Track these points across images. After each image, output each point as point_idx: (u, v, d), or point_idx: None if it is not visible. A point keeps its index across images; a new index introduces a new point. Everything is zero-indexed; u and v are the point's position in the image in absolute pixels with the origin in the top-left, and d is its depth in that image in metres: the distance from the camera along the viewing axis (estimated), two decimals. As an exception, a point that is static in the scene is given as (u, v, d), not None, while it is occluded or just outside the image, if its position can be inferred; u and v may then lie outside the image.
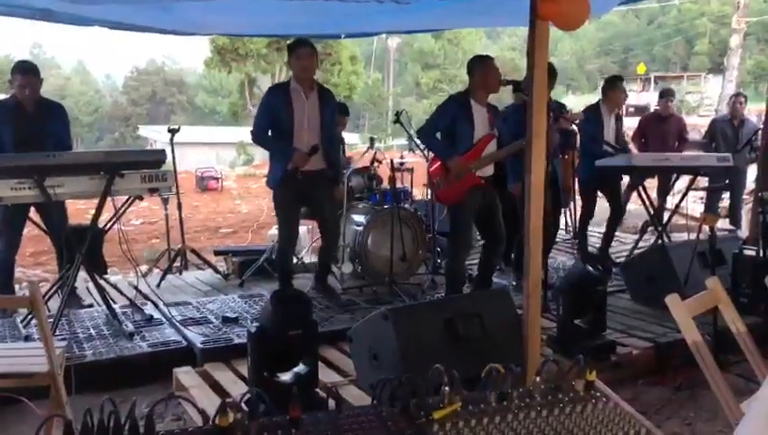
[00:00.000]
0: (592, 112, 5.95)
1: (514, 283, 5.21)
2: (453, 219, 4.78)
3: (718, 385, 2.49)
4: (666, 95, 7.52)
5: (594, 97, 6.22)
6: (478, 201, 4.66)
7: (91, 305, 4.90)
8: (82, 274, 4.59)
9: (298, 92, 4.63)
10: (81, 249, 4.27)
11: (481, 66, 4.65)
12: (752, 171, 8.10)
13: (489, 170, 4.74)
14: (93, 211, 4.32)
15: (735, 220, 8.17)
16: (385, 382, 1.64)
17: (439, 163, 4.70)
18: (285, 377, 3.01)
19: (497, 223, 4.75)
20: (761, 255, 4.51)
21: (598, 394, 1.73)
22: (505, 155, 4.74)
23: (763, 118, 7.01)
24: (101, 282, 4.56)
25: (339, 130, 5.61)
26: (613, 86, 6.06)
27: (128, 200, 4.40)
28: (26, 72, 4.64)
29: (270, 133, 4.74)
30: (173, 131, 6.09)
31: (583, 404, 1.68)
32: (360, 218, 5.54)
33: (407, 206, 5.85)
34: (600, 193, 6.15)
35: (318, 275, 5.10)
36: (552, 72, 5.46)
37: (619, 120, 6.18)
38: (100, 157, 4.26)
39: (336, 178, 5.03)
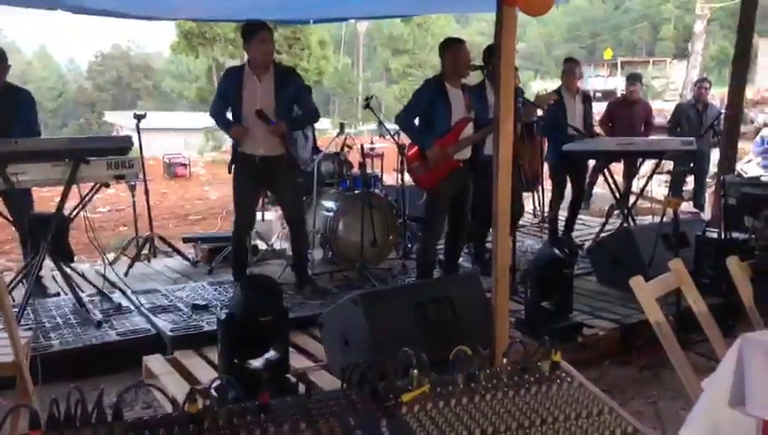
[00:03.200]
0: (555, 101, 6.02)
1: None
2: (428, 204, 4.81)
3: (680, 363, 2.56)
4: (632, 80, 7.62)
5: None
6: (454, 185, 4.71)
7: (57, 294, 4.83)
8: (48, 262, 4.52)
9: (250, 76, 4.54)
10: (46, 237, 4.20)
11: (452, 50, 4.68)
12: (715, 155, 8.27)
13: (467, 153, 4.78)
14: (58, 199, 4.24)
15: (699, 203, 8.34)
16: (354, 366, 1.66)
17: (417, 148, 4.73)
18: (256, 363, 3.00)
19: (465, 208, 4.82)
20: (723, 237, 4.62)
21: (563, 374, 1.77)
22: (481, 137, 4.78)
23: (726, 102, 7.15)
24: (68, 270, 4.49)
25: None
26: (565, 67, 6.20)
27: (93, 187, 4.34)
28: None
29: (228, 115, 4.68)
30: (139, 117, 6.01)
31: (549, 384, 1.72)
32: (330, 204, 5.53)
33: (377, 191, 5.85)
34: (569, 177, 6.24)
35: (295, 267, 4.97)
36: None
37: (587, 102, 6.25)
38: (65, 143, 4.19)
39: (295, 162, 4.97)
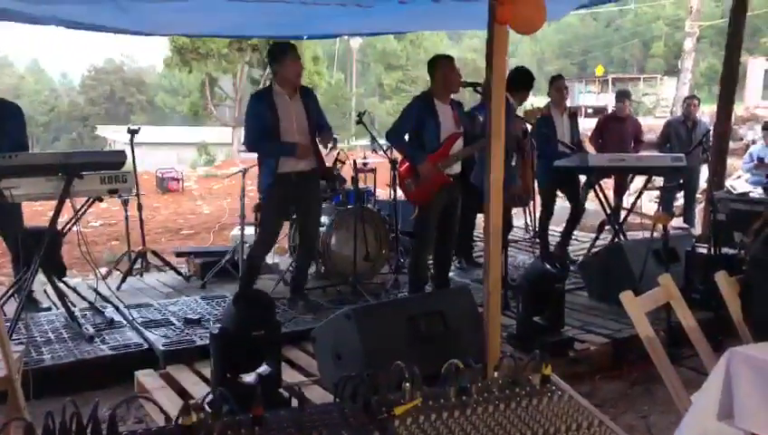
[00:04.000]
0: (542, 116, 6.08)
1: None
2: (419, 219, 4.84)
3: (669, 378, 2.59)
4: (621, 97, 7.69)
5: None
6: (444, 200, 4.75)
7: (49, 309, 4.81)
8: (40, 277, 4.51)
9: (282, 96, 4.60)
10: (39, 252, 4.19)
11: (442, 66, 4.73)
12: (704, 171, 8.35)
13: (456, 168, 4.83)
14: (50, 213, 4.24)
15: (689, 219, 8.40)
16: (347, 380, 1.68)
17: (408, 164, 4.77)
18: (248, 378, 3.01)
19: (454, 222, 4.88)
20: (712, 252, 4.66)
21: (554, 388, 1.79)
22: (471, 153, 4.82)
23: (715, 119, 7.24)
24: (60, 285, 4.48)
25: None
26: (552, 85, 6.29)
27: (87, 202, 4.34)
28: None
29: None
30: (133, 132, 6.01)
31: (539, 398, 1.74)
32: (323, 219, 5.55)
33: (370, 206, 5.88)
34: (559, 193, 6.28)
35: (295, 283, 4.97)
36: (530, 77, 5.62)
37: (573, 118, 6.32)
38: (59, 158, 4.19)
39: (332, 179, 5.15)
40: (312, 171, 4.69)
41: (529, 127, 5.67)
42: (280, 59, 4.57)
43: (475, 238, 6.42)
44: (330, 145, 4.79)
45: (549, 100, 6.29)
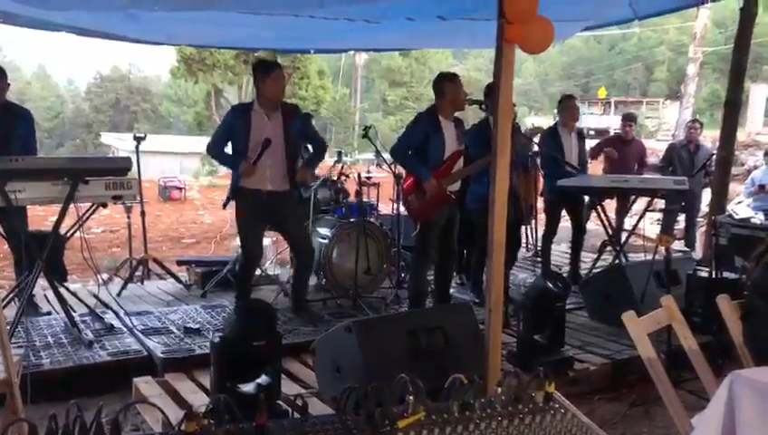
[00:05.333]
0: (550, 134, 6.11)
1: (477, 300, 5.23)
2: (420, 235, 4.85)
3: (670, 400, 2.58)
4: (627, 120, 7.71)
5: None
6: (445, 216, 4.78)
7: (49, 313, 4.81)
8: (40, 281, 4.51)
9: (260, 114, 4.49)
10: (42, 256, 4.20)
11: (448, 85, 4.75)
12: (706, 195, 8.36)
13: (456, 185, 4.86)
14: (52, 217, 4.25)
15: (690, 242, 8.40)
16: (350, 391, 1.68)
17: (412, 180, 4.78)
18: (248, 388, 3.00)
19: (452, 238, 4.90)
20: (713, 276, 4.66)
21: (557, 406, 1.79)
22: (473, 171, 4.84)
23: (717, 144, 7.26)
24: (61, 289, 4.48)
25: None
26: (565, 104, 6.27)
27: (91, 207, 4.35)
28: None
29: (228, 150, 4.63)
30: (139, 139, 6.03)
31: (542, 415, 1.74)
32: (325, 231, 5.56)
33: (372, 220, 5.89)
34: (564, 212, 6.30)
35: (295, 299, 4.93)
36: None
37: (580, 138, 6.34)
38: (65, 162, 4.22)
39: (300, 196, 5.06)
40: (285, 192, 4.62)
41: (535, 148, 5.72)
42: (262, 76, 4.45)
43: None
44: (309, 180, 4.87)
45: (556, 118, 6.30)
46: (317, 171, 6.26)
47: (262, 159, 4.43)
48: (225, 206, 4.75)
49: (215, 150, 4.64)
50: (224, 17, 4.88)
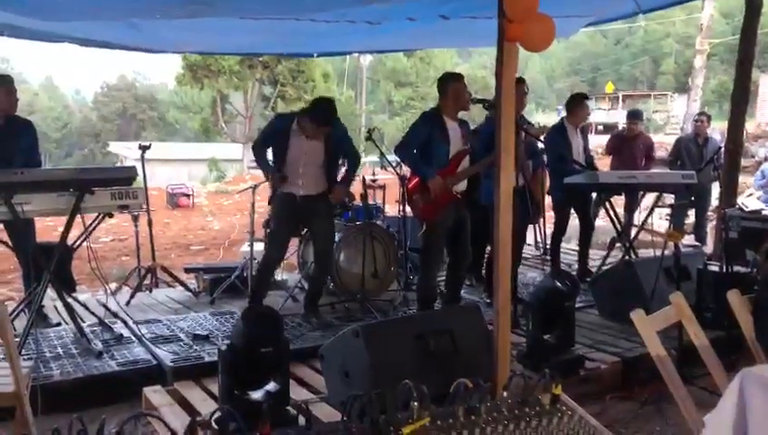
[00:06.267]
0: (557, 132, 6.06)
1: (488, 300, 5.21)
2: (426, 236, 4.83)
3: (682, 397, 2.55)
4: (632, 117, 7.66)
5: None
6: (452, 217, 4.75)
7: (58, 324, 4.82)
8: (50, 292, 4.52)
9: (299, 135, 4.67)
10: (50, 267, 4.21)
11: (452, 84, 4.74)
12: (716, 188, 8.29)
13: (463, 185, 4.82)
14: (61, 228, 4.26)
15: (700, 236, 8.34)
16: (355, 398, 1.66)
17: (417, 180, 4.77)
18: (256, 395, 2.99)
19: (464, 239, 4.85)
20: (724, 270, 4.62)
21: (563, 408, 1.77)
22: (479, 170, 4.82)
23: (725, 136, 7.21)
24: (70, 300, 4.49)
25: None
26: (578, 103, 6.19)
27: (97, 217, 4.36)
28: (11, 85, 4.64)
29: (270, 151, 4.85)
30: (144, 148, 6.05)
31: (549, 417, 1.72)
32: (331, 235, 5.54)
33: (379, 222, 5.88)
34: (572, 210, 6.26)
35: (309, 298, 4.97)
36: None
37: (584, 135, 6.30)
38: (70, 173, 4.22)
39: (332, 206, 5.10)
40: (318, 195, 4.78)
41: (540, 144, 5.68)
42: (310, 122, 4.62)
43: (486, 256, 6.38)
44: (344, 200, 5.19)
45: (564, 115, 6.24)
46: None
47: (301, 171, 4.69)
48: (269, 202, 5.03)
49: (257, 152, 4.86)
50: (225, 24, 4.90)
